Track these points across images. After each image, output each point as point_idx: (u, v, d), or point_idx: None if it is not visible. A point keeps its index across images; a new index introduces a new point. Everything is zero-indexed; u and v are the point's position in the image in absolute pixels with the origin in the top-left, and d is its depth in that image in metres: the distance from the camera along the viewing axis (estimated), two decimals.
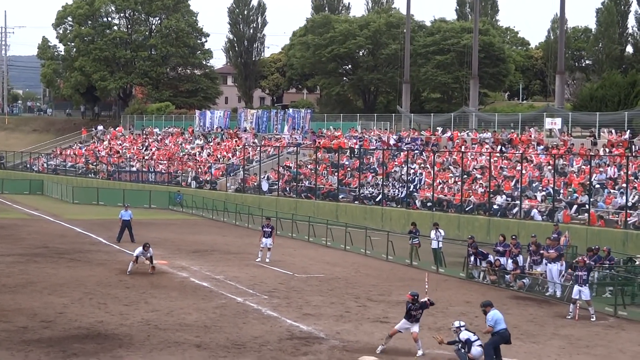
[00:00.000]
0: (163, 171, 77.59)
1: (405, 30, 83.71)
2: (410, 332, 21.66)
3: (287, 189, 64.38)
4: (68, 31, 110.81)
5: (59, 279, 32.27)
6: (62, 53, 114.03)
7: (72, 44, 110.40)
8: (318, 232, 48.08)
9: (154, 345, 21.75)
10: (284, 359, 20.86)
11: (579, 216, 44.81)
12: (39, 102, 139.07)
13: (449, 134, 65.45)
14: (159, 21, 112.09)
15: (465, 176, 53.62)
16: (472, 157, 57.44)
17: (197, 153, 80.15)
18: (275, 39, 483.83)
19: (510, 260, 33.56)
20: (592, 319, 26.83)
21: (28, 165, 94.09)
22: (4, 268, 34.50)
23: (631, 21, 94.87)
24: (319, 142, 70.78)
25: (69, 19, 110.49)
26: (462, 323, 20.53)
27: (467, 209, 50.57)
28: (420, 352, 21.35)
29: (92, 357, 20.34)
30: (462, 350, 20.10)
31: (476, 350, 20.04)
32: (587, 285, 27.15)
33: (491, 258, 34.46)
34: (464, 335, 20.16)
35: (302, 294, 30.31)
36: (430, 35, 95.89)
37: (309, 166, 66.53)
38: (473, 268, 35.07)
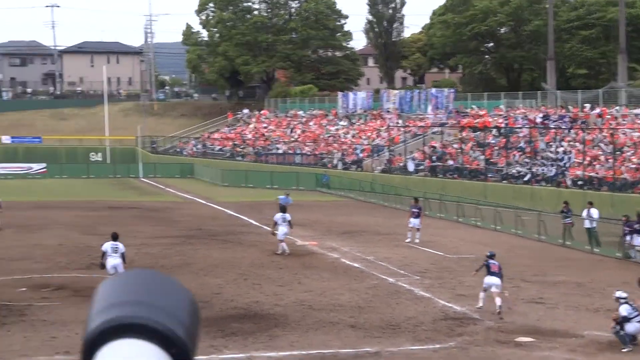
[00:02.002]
0: (309, 153, 78.31)
1: (548, 6, 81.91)
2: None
3: (434, 168, 64.08)
4: (210, 17, 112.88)
5: (214, 260, 32.99)
6: (206, 39, 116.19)
7: (215, 29, 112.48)
8: (467, 212, 47.73)
9: (309, 325, 22.01)
10: (440, 339, 20.82)
11: None
12: (185, 88, 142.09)
13: (597, 110, 63.78)
14: (299, 4, 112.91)
15: (618, 153, 52.20)
16: (624, 133, 55.85)
17: (342, 135, 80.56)
18: (415, 19, 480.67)
19: None
20: None
21: (178, 150, 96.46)
22: (160, 250, 35.50)
23: None
24: (464, 122, 70.14)
25: (211, 5, 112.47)
26: (624, 295, 20.05)
27: (620, 187, 49.25)
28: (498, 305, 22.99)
29: (250, 337, 20.74)
30: (622, 333, 19.65)
31: (634, 326, 19.56)
32: None
33: None
34: (624, 309, 19.68)
35: (454, 274, 30.14)
36: (574, 9, 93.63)
37: (454, 145, 66.03)
38: (629, 247, 34.17)
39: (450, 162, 63.52)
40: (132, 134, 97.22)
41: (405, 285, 28.01)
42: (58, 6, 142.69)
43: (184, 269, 30.72)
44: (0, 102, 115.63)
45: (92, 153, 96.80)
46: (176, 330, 1.20)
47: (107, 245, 26.44)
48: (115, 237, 26.72)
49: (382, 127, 76.72)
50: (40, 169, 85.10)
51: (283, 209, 35.55)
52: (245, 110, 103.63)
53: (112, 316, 1.18)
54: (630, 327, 19.59)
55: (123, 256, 26.47)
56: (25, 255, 33.49)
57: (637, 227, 33.62)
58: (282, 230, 34.69)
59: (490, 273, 24.00)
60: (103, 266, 26.16)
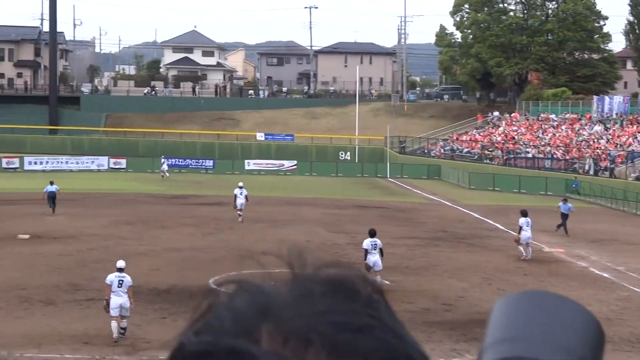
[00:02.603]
0: (559, 158, 76.36)
1: None
2: None
3: None
4: (465, 18, 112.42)
5: (459, 263, 32.75)
6: (459, 40, 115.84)
7: (469, 30, 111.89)
8: None
9: None
10: None
11: None
12: (436, 89, 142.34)
13: None
14: (556, 5, 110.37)
15: None
16: None
17: (595, 139, 78.02)
18: None
19: None
20: None
21: (426, 151, 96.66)
22: (406, 251, 35.60)
23: None
24: None
25: (466, 6, 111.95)
26: None
27: None
28: None
29: None
30: None
31: None
32: None
33: None
34: None
35: None
36: None
37: None
38: None
39: None
40: (380, 134, 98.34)
41: None
42: (316, 7, 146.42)
43: (428, 271, 30.74)
44: (257, 100, 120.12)
45: (341, 152, 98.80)
46: None
47: (367, 242, 26.90)
48: (372, 234, 27.14)
49: (639, 132, 73.67)
50: (290, 166, 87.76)
51: (525, 213, 34.89)
52: (496, 113, 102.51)
53: (500, 356, 1.11)
54: None
55: (381, 252, 26.89)
56: (273, 250, 34.45)
57: None
58: (525, 235, 34.05)
59: None
60: (368, 267, 26.43)
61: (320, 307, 1.07)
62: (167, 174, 75.74)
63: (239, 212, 44.21)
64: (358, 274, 1.15)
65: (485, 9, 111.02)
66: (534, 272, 31.17)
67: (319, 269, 1.15)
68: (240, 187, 45.08)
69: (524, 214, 34.87)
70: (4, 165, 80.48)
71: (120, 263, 21.86)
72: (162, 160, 79.56)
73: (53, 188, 46.36)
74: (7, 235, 37.02)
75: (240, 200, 44.37)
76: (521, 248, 34.24)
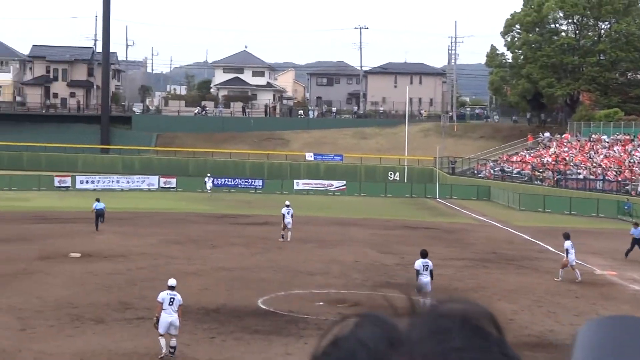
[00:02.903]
0: (611, 179, 75.51)
1: None
2: None
3: None
4: (516, 39, 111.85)
5: (508, 285, 32.46)
6: (510, 60, 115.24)
7: (520, 51, 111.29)
8: None
9: None
10: None
11: None
12: (486, 110, 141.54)
13: None
14: (609, 25, 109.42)
15: None
16: None
17: None
18: None
19: None
20: None
21: (475, 171, 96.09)
22: (455, 272, 35.36)
23: None
24: None
25: (517, 26, 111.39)
26: None
27: None
28: None
29: None
30: None
31: None
32: None
33: None
34: None
35: None
36: None
37: None
38: None
39: None
40: (429, 155, 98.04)
41: None
42: (367, 28, 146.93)
43: (478, 293, 30.46)
44: (306, 120, 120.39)
45: (390, 172, 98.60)
46: None
47: (419, 263, 26.78)
48: (424, 255, 26.99)
49: None
50: (340, 186, 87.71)
51: (568, 236, 34.50)
52: (547, 134, 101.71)
53: None
54: None
55: (432, 274, 26.70)
56: (322, 270, 34.51)
57: None
58: (571, 257, 33.73)
59: None
60: (420, 288, 26.22)
61: (454, 345, 1.03)
62: (210, 192, 76.53)
63: (282, 231, 44.44)
64: (484, 310, 1.14)
65: (537, 29, 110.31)
66: (585, 294, 30.76)
67: (442, 303, 1.12)
68: (287, 206, 45.24)
69: (567, 236, 34.50)
70: (56, 183, 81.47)
71: (172, 281, 22.04)
72: (206, 179, 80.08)
73: (101, 205, 46.97)
74: (59, 253, 37.46)
75: (287, 219, 44.56)
76: (562, 271, 33.86)
